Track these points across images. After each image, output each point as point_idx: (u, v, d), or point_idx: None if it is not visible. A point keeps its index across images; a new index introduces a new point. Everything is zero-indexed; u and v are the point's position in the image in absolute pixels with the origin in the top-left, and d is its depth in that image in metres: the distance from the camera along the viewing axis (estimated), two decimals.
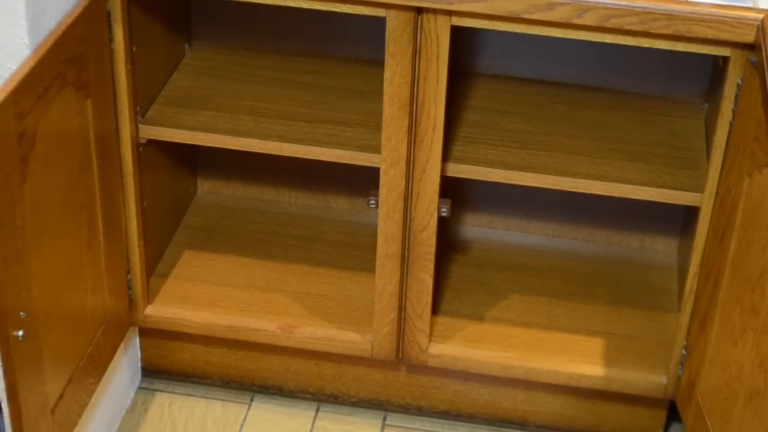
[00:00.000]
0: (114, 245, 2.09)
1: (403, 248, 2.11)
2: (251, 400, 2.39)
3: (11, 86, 1.61)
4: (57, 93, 1.76)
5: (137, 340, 2.38)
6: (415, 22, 1.90)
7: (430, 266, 2.12)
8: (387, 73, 1.95)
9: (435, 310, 2.24)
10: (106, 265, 2.06)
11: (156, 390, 2.38)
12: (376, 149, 2.04)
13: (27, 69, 1.68)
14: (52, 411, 1.88)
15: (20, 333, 1.70)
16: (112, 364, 2.21)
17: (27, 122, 1.68)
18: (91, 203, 1.97)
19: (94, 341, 2.04)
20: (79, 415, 1.99)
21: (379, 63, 1.96)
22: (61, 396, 1.91)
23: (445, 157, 2.05)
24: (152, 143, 2.15)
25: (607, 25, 1.83)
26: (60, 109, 1.79)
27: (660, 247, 2.44)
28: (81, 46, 1.84)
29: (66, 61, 1.79)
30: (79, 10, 1.83)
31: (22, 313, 1.71)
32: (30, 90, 1.65)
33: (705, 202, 1.99)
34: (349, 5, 1.90)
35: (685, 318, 2.08)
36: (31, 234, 1.74)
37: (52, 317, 1.86)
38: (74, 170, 1.88)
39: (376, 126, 2.06)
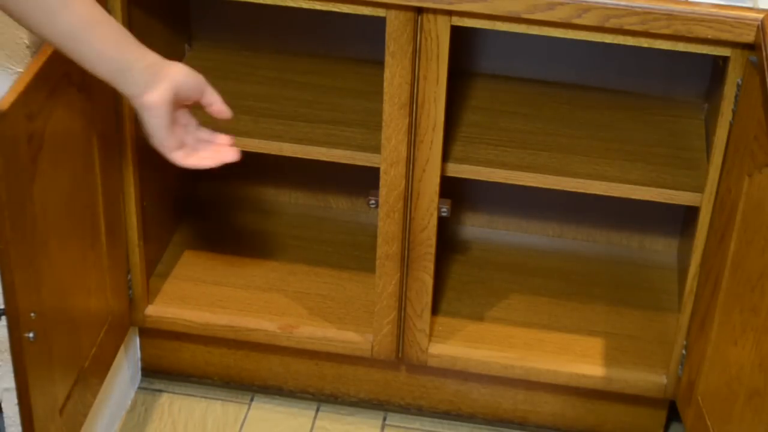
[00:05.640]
0: (115, 245, 2.09)
1: (403, 248, 2.11)
2: (251, 400, 2.39)
3: (21, 87, 1.61)
4: (62, 93, 1.76)
5: (137, 340, 2.38)
6: (415, 22, 1.89)
7: (430, 266, 2.12)
8: (387, 73, 1.95)
9: (435, 310, 2.24)
10: (108, 265, 2.06)
11: (156, 390, 2.38)
12: (376, 149, 2.04)
13: (35, 69, 1.67)
14: (61, 412, 1.87)
15: (31, 335, 1.70)
16: (113, 364, 2.20)
17: (36, 123, 1.67)
18: (94, 203, 1.97)
19: (98, 342, 2.04)
20: (85, 416, 1.99)
21: (379, 63, 1.96)
22: (68, 397, 1.90)
23: (445, 157, 2.05)
24: None
25: (607, 25, 1.83)
26: (65, 110, 1.79)
27: (660, 247, 2.45)
28: None
29: (70, 60, 1.78)
30: None
31: (32, 315, 1.71)
32: (38, 90, 1.65)
33: (705, 202, 1.99)
34: (349, 5, 1.90)
35: (685, 318, 2.09)
36: (40, 234, 1.74)
37: (60, 318, 1.86)
38: (78, 170, 1.88)
39: (376, 126, 2.05)
